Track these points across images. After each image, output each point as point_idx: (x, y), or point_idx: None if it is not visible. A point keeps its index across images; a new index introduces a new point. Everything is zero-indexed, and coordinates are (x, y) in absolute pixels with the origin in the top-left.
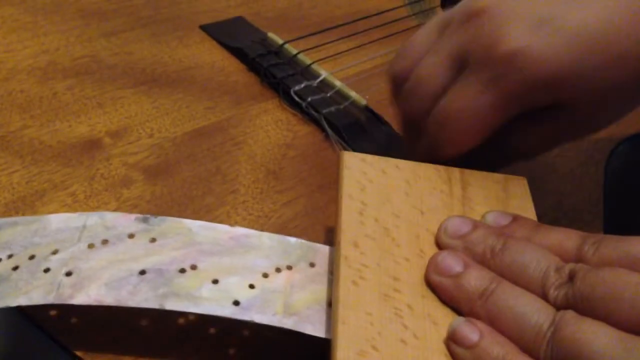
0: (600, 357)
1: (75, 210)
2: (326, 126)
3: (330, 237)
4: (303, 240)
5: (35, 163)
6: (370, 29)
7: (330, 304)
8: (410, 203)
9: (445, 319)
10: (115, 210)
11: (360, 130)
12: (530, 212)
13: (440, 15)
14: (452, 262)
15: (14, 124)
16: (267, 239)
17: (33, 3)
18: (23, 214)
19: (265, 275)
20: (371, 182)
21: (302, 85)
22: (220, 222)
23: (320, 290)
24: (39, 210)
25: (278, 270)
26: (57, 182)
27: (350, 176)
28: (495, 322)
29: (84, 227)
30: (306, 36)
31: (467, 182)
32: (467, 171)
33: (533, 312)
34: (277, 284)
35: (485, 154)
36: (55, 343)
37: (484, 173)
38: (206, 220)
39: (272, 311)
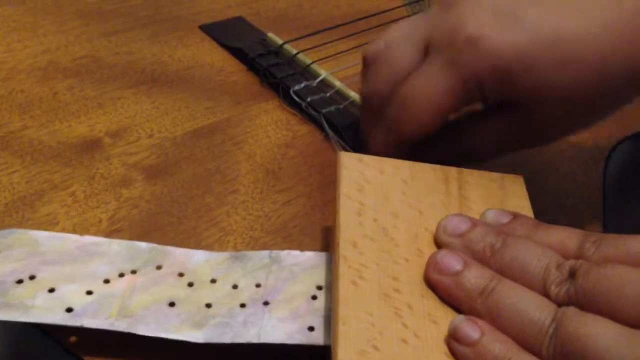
0: (604, 352)
1: (75, 210)
2: (326, 126)
3: (330, 236)
4: (155, 245)
5: (35, 163)
6: (369, 29)
7: (170, 304)
8: (408, 203)
9: (445, 317)
10: (115, 210)
11: (359, 130)
12: (527, 211)
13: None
14: (452, 261)
15: (14, 124)
16: (116, 245)
17: (33, 3)
18: (23, 214)
19: (107, 281)
20: (369, 182)
21: (302, 85)
22: (220, 221)
23: (161, 291)
24: (39, 210)
25: (121, 275)
26: (57, 182)
27: (348, 176)
28: (496, 320)
29: None
30: (306, 36)
31: (464, 181)
32: (465, 170)
33: (534, 308)
34: (116, 289)
35: (440, 151)
36: (60, 346)
37: (481, 172)
38: (206, 220)
39: (106, 315)
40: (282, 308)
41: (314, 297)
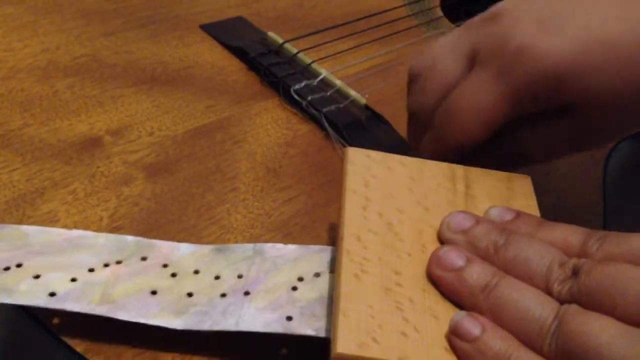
0: (607, 350)
1: (76, 208)
2: (326, 125)
3: (331, 234)
4: (141, 238)
5: (36, 161)
6: (370, 28)
7: (153, 292)
8: (414, 199)
9: (446, 313)
10: (116, 207)
11: (360, 129)
12: (534, 210)
13: (466, 22)
14: (455, 257)
15: (14, 122)
16: (102, 239)
17: (33, 2)
18: (23, 212)
19: (91, 270)
20: (375, 177)
21: (302, 84)
22: (221, 219)
23: (144, 280)
24: (39, 208)
25: (106, 265)
26: (57, 180)
27: (354, 171)
28: (498, 317)
29: None
30: (306, 35)
31: (471, 180)
32: (471, 169)
33: (536, 306)
34: (100, 277)
35: (494, 156)
36: (55, 338)
37: (488, 171)
38: (207, 218)
39: (88, 300)
40: (261, 298)
41: (294, 288)
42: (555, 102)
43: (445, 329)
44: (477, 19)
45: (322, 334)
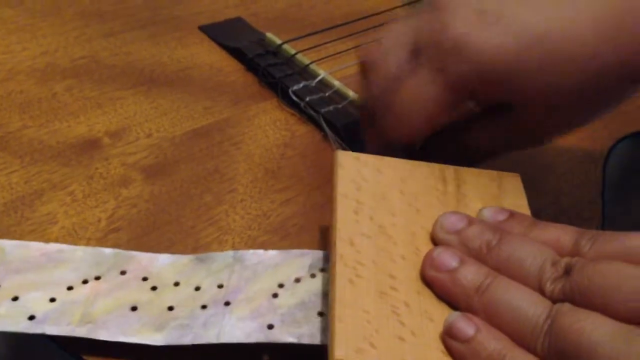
0: (599, 348)
1: (74, 210)
2: (324, 125)
3: (324, 237)
4: (119, 250)
5: (34, 163)
6: (368, 29)
7: (133, 308)
8: (405, 201)
9: (442, 315)
10: (114, 209)
11: (358, 130)
12: (524, 209)
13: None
14: (448, 257)
15: (13, 124)
16: (80, 252)
17: (32, 5)
18: (22, 214)
19: (70, 288)
20: (366, 180)
21: (301, 85)
22: (219, 220)
23: (124, 296)
24: (38, 209)
25: (85, 281)
26: (56, 181)
27: (345, 175)
28: (492, 317)
29: None
30: (304, 36)
31: (461, 180)
32: (462, 169)
33: (529, 305)
34: (79, 295)
35: (439, 153)
36: (58, 345)
37: (479, 170)
38: (205, 219)
39: (67, 322)
40: (242, 308)
41: (275, 295)
42: (493, 99)
43: (441, 331)
44: (423, 7)
45: (303, 341)
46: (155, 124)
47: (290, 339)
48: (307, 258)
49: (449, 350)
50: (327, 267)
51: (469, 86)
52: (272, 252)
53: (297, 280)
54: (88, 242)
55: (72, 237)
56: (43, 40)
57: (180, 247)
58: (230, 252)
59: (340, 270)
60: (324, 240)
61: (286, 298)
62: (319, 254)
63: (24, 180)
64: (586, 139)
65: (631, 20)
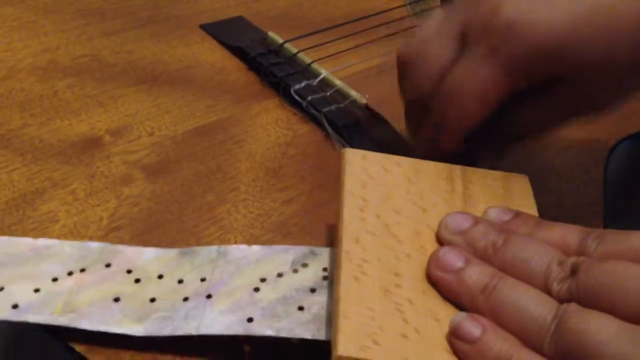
0: (605, 348)
1: (76, 208)
2: (326, 125)
3: (330, 234)
4: (106, 244)
5: (36, 161)
6: (370, 28)
7: (115, 299)
8: (411, 200)
9: (446, 314)
10: (116, 208)
11: (360, 129)
12: (532, 210)
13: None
14: (454, 258)
15: (14, 122)
16: (68, 247)
17: (33, 2)
18: (23, 212)
19: (55, 280)
20: (372, 178)
21: (303, 84)
22: (221, 219)
23: (108, 288)
24: (39, 208)
25: (70, 274)
26: (57, 180)
27: (351, 173)
28: (498, 317)
29: None
30: (306, 35)
31: (468, 180)
32: (469, 169)
33: (536, 305)
34: (63, 286)
35: (495, 137)
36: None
37: (485, 171)
38: (207, 218)
39: (50, 311)
40: (223, 301)
41: (257, 289)
42: (549, 75)
43: (445, 330)
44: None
45: (282, 334)
46: (157, 122)
47: (269, 332)
48: (290, 254)
49: (455, 350)
50: (309, 262)
51: (524, 65)
52: (255, 247)
53: (280, 275)
54: (90, 241)
55: (73, 235)
56: (44, 38)
57: (183, 246)
58: (215, 247)
59: (346, 267)
60: (329, 237)
61: (267, 292)
62: (302, 249)
63: (25, 178)
64: (587, 139)
65: None
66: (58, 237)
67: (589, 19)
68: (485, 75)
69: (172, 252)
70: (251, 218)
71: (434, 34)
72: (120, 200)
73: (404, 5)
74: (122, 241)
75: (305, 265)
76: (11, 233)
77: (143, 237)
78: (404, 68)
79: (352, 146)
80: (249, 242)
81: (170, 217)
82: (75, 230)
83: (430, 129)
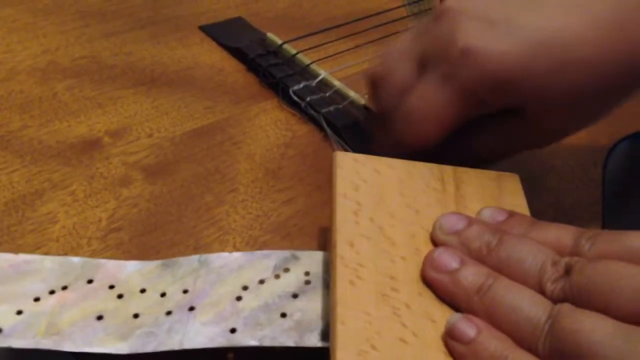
0: (599, 348)
1: (75, 209)
2: (325, 126)
3: (324, 237)
4: (87, 259)
5: (35, 162)
6: (369, 29)
7: (99, 317)
8: (404, 202)
9: (443, 316)
10: (115, 209)
11: (359, 130)
12: (523, 209)
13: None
14: (448, 258)
15: (13, 123)
16: (49, 262)
17: (33, 4)
18: (22, 213)
19: (37, 299)
20: (365, 181)
21: (301, 85)
22: (220, 220)
23: (90, 305)
24: (39, 209)
25: (52, 292)
26: (56, 181)
27: (343, 176)
28: (493, 318)
29: None
30: (305, 36)
31: (460, 180)
32: (460, 169)
33: (530, 306)
34: (46, 306)
35: (450, 156)
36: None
37: (477, 170)
38: (206, 219)
39: (33, 334)
40: (206, 312)
41: (239, 298)
42: (503, 104)
43: (442, 331)
44: (426, 21)
45: (265, 343)
46: (156, 123)
47: (252, 342)
48: (271, 259)
49: (451, 351)
50: (291, 266)
51: (479, 92)
52: (236, 254)
53: (261, 281)
54: (89, 242)
55: (72, 236)
56: (44, 39)
57: (182, 247)
58: (196, 257)
59: (341, 271)
60: (323, 241)
61: (249, 300)
62: (283, 254)
63: (24, 179)
64: (586, 139)
65: (631, 19)
66: (57, 238)
67: (546, 49)
68: (439, 100)
69: (153, 265)
70: (250, 219)
71: (398, 55)
72: (119, 201)
73: (404, 6)
74: (121, 242)
75: (287, 270)
76: (10, 234)
77: (142, 238)
78: (372, 86)
79: (351, 146)
80: (248, 243)
81: (169, 218)
82: (74, 231)
83: (391, 141)
